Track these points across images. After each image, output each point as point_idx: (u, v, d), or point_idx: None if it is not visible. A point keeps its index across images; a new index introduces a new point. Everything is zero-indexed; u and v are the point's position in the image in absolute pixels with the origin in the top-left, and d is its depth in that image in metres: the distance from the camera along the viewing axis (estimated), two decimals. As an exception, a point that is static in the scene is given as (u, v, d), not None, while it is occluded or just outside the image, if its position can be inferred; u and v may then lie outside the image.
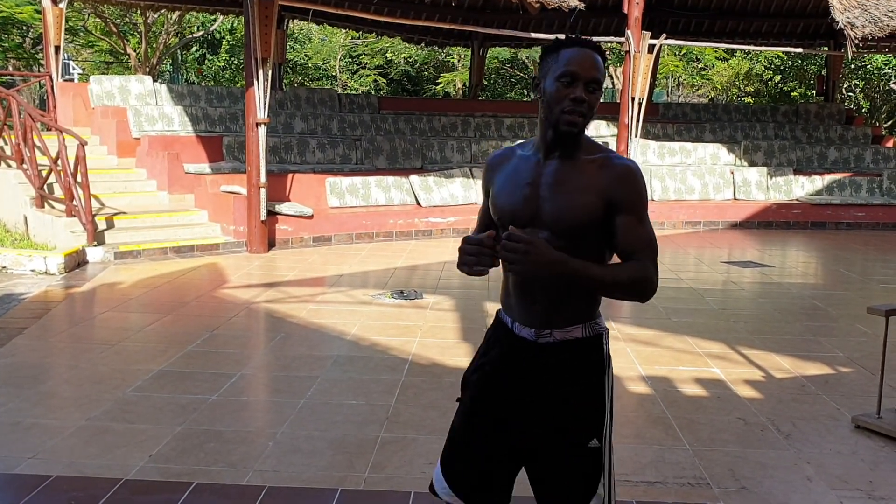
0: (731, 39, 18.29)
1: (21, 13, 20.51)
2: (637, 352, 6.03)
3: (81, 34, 25.14)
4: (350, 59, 30.51)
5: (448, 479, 2.30)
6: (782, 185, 14.68)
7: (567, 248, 2.03)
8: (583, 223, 2.08)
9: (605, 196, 2.08)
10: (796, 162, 15.53)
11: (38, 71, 22.14)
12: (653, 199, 14.08)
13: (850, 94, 24.20)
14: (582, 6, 12.12)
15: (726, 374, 5.50)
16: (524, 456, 2.24)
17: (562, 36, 2.15)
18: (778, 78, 24.99)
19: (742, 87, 26.88)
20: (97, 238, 9.64)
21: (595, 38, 13.74)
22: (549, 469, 2.19)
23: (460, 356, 5.79)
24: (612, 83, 30.51)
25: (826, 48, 18.01)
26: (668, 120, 16.84)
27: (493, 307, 7.40)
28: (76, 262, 9.10)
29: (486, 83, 27.05)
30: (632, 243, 2.08)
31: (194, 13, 23.46)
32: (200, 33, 27.31)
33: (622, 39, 13.06)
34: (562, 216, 2.09)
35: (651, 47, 12.94)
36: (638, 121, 13.02)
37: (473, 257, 2.02)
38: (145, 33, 23.87)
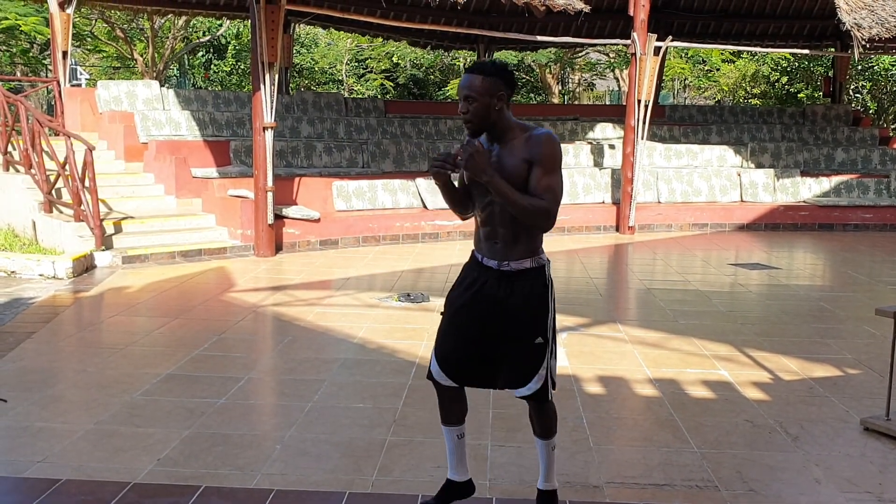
0: (737, 41, 18.28)
1: (25, 24, 20.55)
2: (644, 354, 6.02)
3: (89, 39, 25.23)
4: (356, 63, 30.58)
5: (441, 367, 3.26)
6: (789, 186, 14.64)
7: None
8: (522, 179, 3.00)
9: (527, 158, 3.00)
10: (803, 164, 15.49)
11: (46, 76, 22.25)
12: (659, 202, 14.06)
13: (858, 95, 24.12)
14: (587, 9, 12.12)
15: (734, 377, 5.49)
16: (494, 349, 3.17)
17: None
18: (785, 79, 24.92)
19: (748, 88, 26.82)
20: (105, 242, 9.68)
21: (601, 41, 13.83)
22: (509, 356, 3.16)
23: (467, 359, 5.79)
24: (619, 85, 30.50)
25: (833, 49, 17.98)
26: (675, 122, 16.83)
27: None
28: (84, 266, 9.14)
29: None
30: (537, 186, 2.98)
31: (200, 18, 23.53)
32: (207, 38, 27.40)
33: (628, 42, 13.06)
34: (508, 179, 2.99)
35: (657, 49, 12.93)
36: (644, 123, 13.02)
37: (441, 162, 2.97)
38: (152, 38, 23.97)
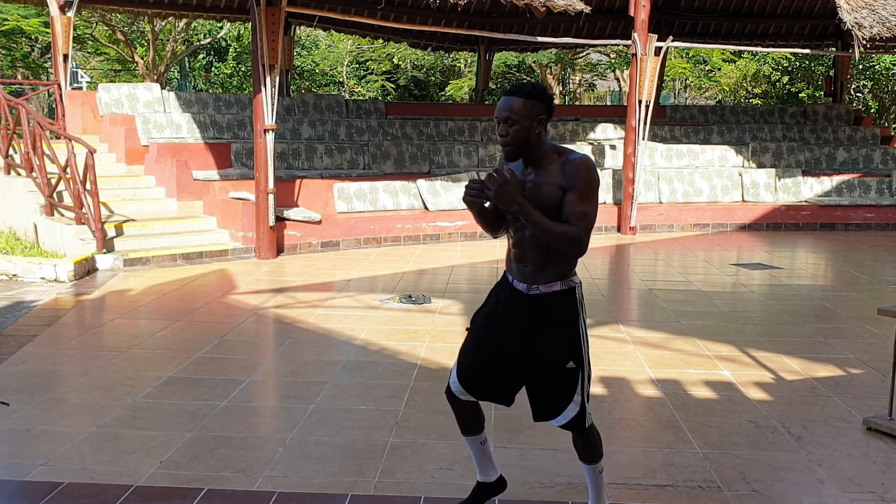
0: (738, 41, 18.27)
1: (28, 25, 20.61)
2: (646, 355, 6.01)
3: (89, 42, 25.26)
4: (357, 65, 30.59)
5: (462, 382, 3.21)
6: (791, 186, 14.63)
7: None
8: (556, 206, 2.93)
9: (562, 185, 2.92)
10: (805, 163, 15.48)
11: (47, 80, 22.27)
12: (661, 202, 14.06)
13: (859, 94, 24.11)
14: (588, 9, 12.11)
15: (736, 377, 5.48)
16: (521, 373, 3.13)
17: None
18: (786, 79, 24.92)
19: (749, 88, 26.82)
20: (106, 245, 9.68)
21: (601, 42, 13.80)
22: (540, 382, 3.10)
23: (469, 360, 5.78)
24: (619, 86, 30.49)
25: (834, 49, 17.98)
26: (676, 122, 16.83)
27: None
28: (86, 269, 9.14)
29: (493, 87, 27.09)
30: (571, 213, 2.90)
31: (201, 21, 23.54)
32: (208, 41, 27.42)
33: (629, 42, 13.06)
34: (543, 206, 2.92)
35: (658, 50, 12.93)
36: (645, 123, 13.01)
37: (475, 191, 2.87)
38: (153, 41, 23.99)
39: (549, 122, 3.01)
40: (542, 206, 2.91)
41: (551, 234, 2.87)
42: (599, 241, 12.62)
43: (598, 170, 13.94)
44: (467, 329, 3.29)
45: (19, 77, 23.95)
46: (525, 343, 3.07)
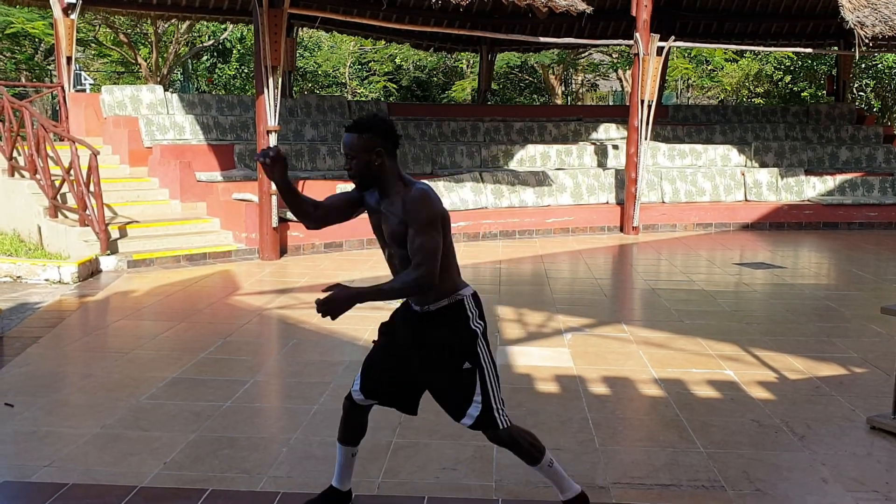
0: (740, 41, 18.26)
1: (33, 28, 20.66)
2: (649, 354, 6.01)
3: (93, 45, 25.30)
4: (359, 66, 30.60)
5: (366, 393, 3.37)
6: (793, 185, 14.62)
7: (405, 253, 3.06)
8: (402, 237, 3.05)
9: (403, 219, 3.04)
10: (807, 162, 15.46)
11: (51, 82, 22.32)
12: (663, 202, 14.05)
13: (861, 93, 24.07)
14: (590, 10, 12.12)
15: (739, 376, 5.48)
16: (423, 381, 3.31)
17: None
18: (788, 78, 24.88)
19: (752, 88, 26.78)
20: (110, 247, 9.70)
21: (603, 42, 13.80)
22: (442, 386, 3.25)
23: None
24: (622, 86, 30.49)
25: (836, 48, 17.96)
26: (678, 122, 16.81)
27: (502, 311, 7.41)
28: (90, 271, 9.16)
29: (495, 87, 27.09)
30: (411, 249, 3.01)
31: (204, 22, 23.57)
32: (210, 42, 27.44)
33: (631, 42, 13.06)
34: (391, 235, 3.11)
35: (660, 50, 12.93)
36: (647, 123, 13.01)
37: (259, 156, 3.10)
38: (156, 43, 24.01)
39: (396, 148, 3.12)
40: (391, 234, 3.09)
41: (398, 293, 3.04)
42: (602, 240, 12.62)
43: (601, 169, 14.09)
44: (374, 341, 3.43)
45: (23, 79, 24.00)
46: (424, 354, 3.23)
